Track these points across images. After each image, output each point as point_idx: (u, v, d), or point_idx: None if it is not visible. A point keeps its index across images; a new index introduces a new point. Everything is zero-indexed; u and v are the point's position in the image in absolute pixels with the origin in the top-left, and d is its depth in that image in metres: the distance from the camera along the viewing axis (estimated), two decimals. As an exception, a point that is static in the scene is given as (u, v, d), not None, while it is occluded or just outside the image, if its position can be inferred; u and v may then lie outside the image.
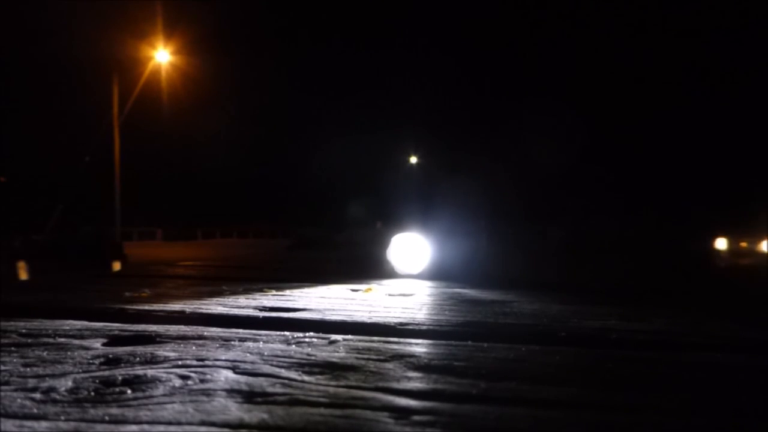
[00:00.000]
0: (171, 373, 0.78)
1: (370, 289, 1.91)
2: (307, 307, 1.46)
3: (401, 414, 0.64)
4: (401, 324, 1.21)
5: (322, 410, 0.65)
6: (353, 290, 1.89)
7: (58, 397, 0.69)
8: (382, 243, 2.92)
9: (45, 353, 0.90)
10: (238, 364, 0.84)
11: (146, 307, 1.40)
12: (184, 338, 1.02)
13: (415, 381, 0.77)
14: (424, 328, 1.18)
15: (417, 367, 0.84)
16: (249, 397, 0.69)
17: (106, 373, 0.78)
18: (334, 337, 1.03)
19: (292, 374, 0.79)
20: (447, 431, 0.60)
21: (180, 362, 0.84)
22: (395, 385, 0.75)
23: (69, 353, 0.90)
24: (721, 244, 7.45)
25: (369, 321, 1.26)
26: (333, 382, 0.76)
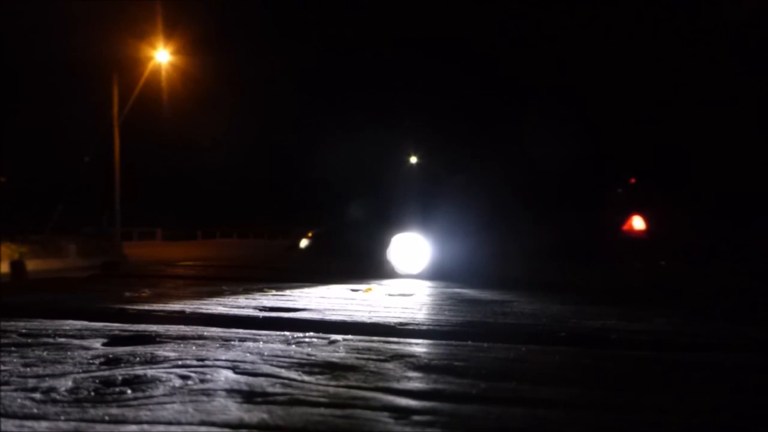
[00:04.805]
0: (171, 373, 0.78)
1: (370, 289, 1.91)
2: (307, 307, 1.46)
3: (401, 414, 0.64)
4: (401, 324, 1.20)
5: (322, 410, 0.65)
6: (353, 290, 1.89)
7: (58, 397, 0.69)
8: (382, 243, 2.92)
9: (45, 353, 0.90)
10: (238, 364, 0.84)
11: (146, 307, 1.40)
12: (184, 338, 1.02)
13: (415, 381, 0.77)
14: (424, 328, 1.18)
15: (417, 367, 0.84)
16: (249, 397, 0.69)
17: (106, 373, 0.78)
18: (334, 337, 1.03)
19: (292, 374, 0.79)
20: (447, 431, 0.60)
21: (180, 362, 0.84)
22: (395, 385, 0.75)
23: (69, 353, 0.90)
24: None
25: (369, 321, 1.26)
26: (333, 382, 0.76)
